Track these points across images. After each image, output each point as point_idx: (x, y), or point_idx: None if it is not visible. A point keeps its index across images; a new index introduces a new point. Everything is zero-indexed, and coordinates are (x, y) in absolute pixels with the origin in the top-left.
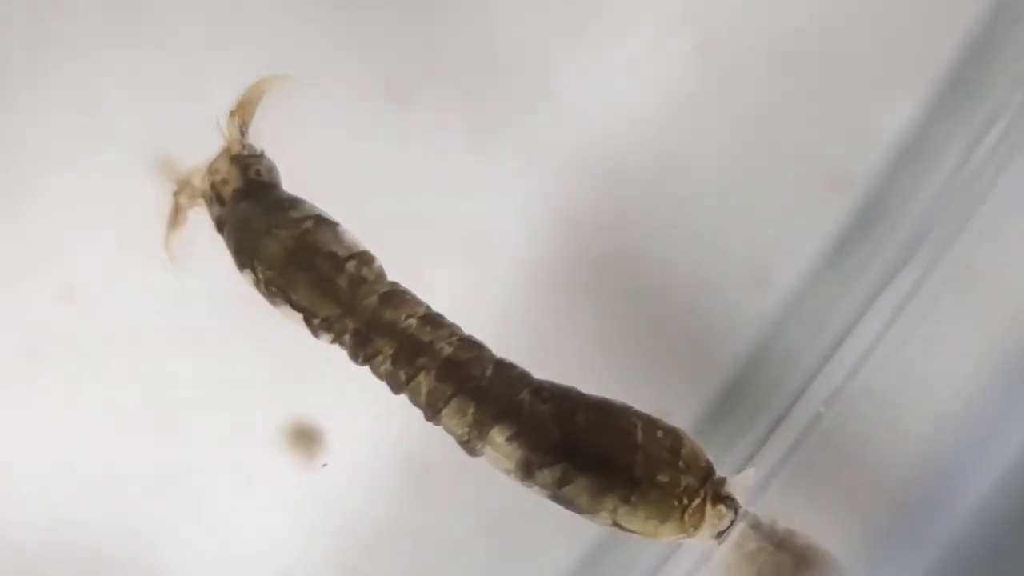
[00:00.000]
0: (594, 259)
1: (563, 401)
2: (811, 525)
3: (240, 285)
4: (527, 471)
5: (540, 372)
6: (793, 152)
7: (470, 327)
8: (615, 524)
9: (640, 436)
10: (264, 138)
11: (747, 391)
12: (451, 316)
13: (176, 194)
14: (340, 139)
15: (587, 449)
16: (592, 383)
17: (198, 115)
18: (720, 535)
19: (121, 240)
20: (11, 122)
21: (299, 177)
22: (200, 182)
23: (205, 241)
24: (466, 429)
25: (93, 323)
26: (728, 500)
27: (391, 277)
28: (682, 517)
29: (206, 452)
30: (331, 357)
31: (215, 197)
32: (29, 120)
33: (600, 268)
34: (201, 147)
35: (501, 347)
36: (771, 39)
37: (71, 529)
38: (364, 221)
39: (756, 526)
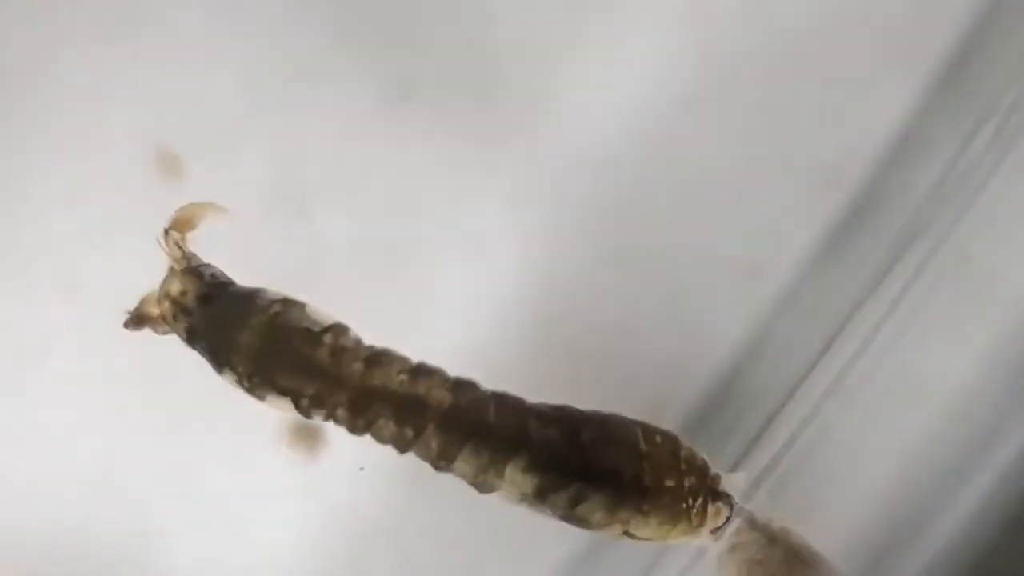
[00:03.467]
0: (590, 256)
1: (567, 423)
2: (805, 522)
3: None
4: (541, 496)
5: (534, 370)
6: (789, 147)
7: (466, 326)
8: (626, 534)
9: (643, 444)
10: (270, 144)
11: (742, 387)
12: (446, 316)
13: (129, 325)
14: (340, 141)
15: (598, 466)
16: (585, 380)
17: (198, 115)
18: (716, 531)
19: (121, 238)
20: (12, 122)
21: (299, 180)
22: (158, 307)
23: (202, 240)
24: (482, 474)
25: (93, 321)
26: (724, 496)
27: (389, 278)
28: (691, 518)
29: (206, 450)
30: None
31: (180, 311)
32: (30, 120)
33: (596, 265)
34: (201, 147)
35: (497, 346)
36: (767, 36)
37: (72, 527)
38: (363, 223)
39: (751, 522)
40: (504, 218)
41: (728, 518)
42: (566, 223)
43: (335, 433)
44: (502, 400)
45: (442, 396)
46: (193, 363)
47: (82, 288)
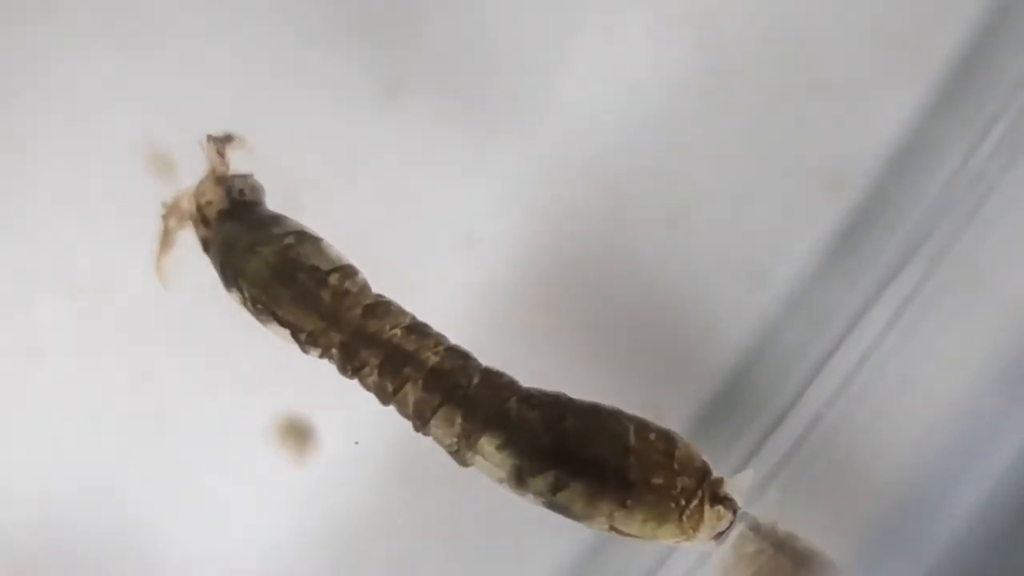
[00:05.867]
0: (590, 258)
1: (552, 407)
2: (810, 527)
3: None
4: (519, 479)
5: (533, 371)
6: (793, 151)
7: (463, 326)
8: (613, 529)
9: (632, 439)
10: (249, 157)
11: (746, 391)
12: (443, 315)
13: (165, 217)
14: (333, 137)
15: (579, 454)
16: (587, 383)
17: (196, 114)
18: (719, 536)
19: (119, 238)
20: (11, 122)
21: (293, 176)
22: (187, 204)
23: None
24: (454, 439)
25: (90, 321)
26: (726, 501)
27: (383, 275)
28: (680, 519)
29: (200, 449)
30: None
31: (201, 219)
32: (29, 119)
33: (596, 267)
34: (195, 146)
35: (494, 346)
36: (770, 37)
37: (67, 527)
38: (356, 219)
39: (755, 528)
40: (499, 215)
41: (731, 523)
42: (563, 223)
43: (327, 432)
44: (490, 375)
45: (428, 357)
46: (187, 364)
47: (80, 288)
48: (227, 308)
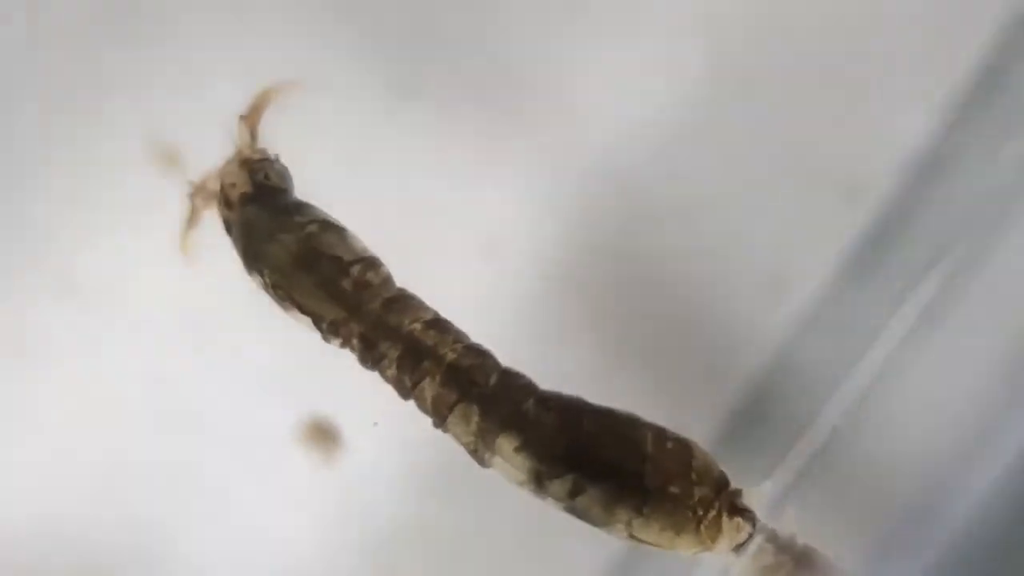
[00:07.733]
0: (606, 267)
1: (569, 411)
2: (828, 539)
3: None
4: (539, 482)
5: (551, 379)
6: (812, 160)
7: (480, 331)
8: (632, 536)
9: (650, 446)
10: (278, 142)
11: (765, 404)
12: (460, 320)
13: (192, 196)
14: (346, 140)
15: (595, 459)
16: (604, 393)
17: (201, 111)
18: (738, 548)
19: (124, 235)
20: (12, 117)
21: (307, 179)
22: (213, 184)
23: (216, 236)
24: (472, 438)
25: (102, 321)
26: (745, 512)
27: (402, 280)
28: (698, 529)
29: (220, 449)
30: (346, 352)
31: (224, 200)
32: (30, 115)
33: (613, 276)
34: (203, 143)
35: (511, 353)
36: (788, 46)
37: (77, 532)
38: (372, 223)
39: (774, 540)
40: (515, 223)
41: (750, 534)
42: (579, 231)
43: (353, 435)
44: (508, 376)
45: (447, 353)
46: (205, 360)
47: (81, 287)
48: (248, 305)
